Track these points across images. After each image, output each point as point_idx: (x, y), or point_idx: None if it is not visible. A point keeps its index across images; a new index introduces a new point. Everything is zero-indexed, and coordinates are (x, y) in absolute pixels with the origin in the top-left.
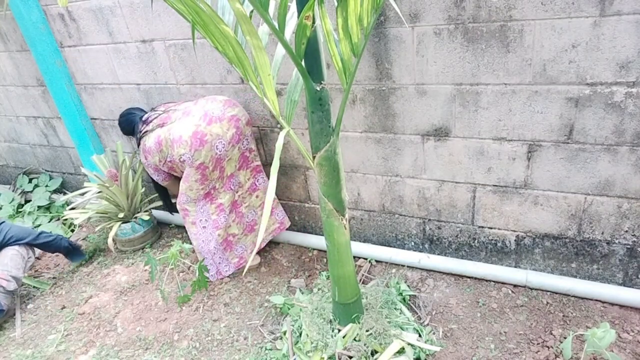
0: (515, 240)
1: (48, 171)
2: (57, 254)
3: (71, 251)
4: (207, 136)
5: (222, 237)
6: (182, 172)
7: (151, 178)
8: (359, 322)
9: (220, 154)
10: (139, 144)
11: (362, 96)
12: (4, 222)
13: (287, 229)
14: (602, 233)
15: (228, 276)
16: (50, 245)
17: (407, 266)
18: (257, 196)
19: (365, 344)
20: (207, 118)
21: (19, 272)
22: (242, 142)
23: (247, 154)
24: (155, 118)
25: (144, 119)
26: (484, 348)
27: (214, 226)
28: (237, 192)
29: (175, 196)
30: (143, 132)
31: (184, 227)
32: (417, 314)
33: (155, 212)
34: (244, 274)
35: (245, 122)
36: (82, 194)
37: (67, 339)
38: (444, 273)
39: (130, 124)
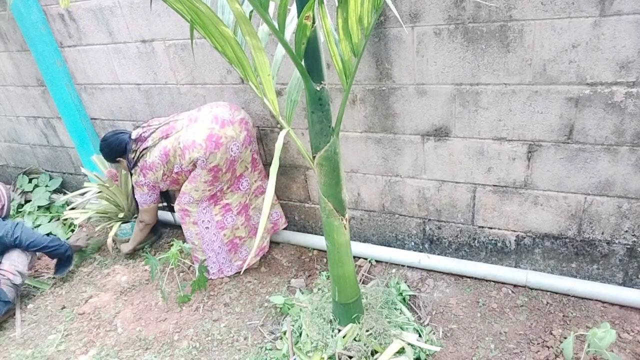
0: (515, 240)
1: (48, 171)
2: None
3: (64, 262)
4: (222, 139)
5: (228, 237)
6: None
7: (135, 200)
8: (359, 322)
9: (234, 156)
10: (135, 164)
11: (362, 96)
12: (18, 223)
13: (287, 229)
14: (602, 233)
15: (228, 276)
16: (53, 255)
17: (407, 266)
18: (263, 199)
19: (365, 344)
20: (219, 121)
21: (25, 268)
22: (252, 144)
23: (255, 155)
24: (154, 132)
25: (135, 137)
26: (484, 348)
27: (218, 227)
28: (247, 193)
29: (141, 221)
30: (142, 149)
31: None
32: (417, 314)
33: None
34: (242, 272)
35: (252, 125)
36: (82, 194)
37: (67, 339)
38: (444, 273)
39: (121, 143)
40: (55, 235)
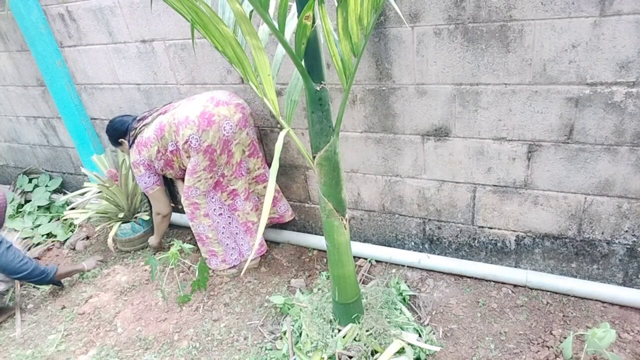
0: (515, 240)
1: (48, 171)
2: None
3: (50, 283)
4: (215, 117)
5: (242, 219)
6: (181, 169)
7: (145, 195)
8: (359, 322)
9: (227, 136)
10: (132, 142)
11: (362, 96)
12: (1, 242)
13: (287, 229)
14: (602, 233)
15: (228, 276)
16: (32, 282)
17: (407, 266)
18: (264, 187)
19: (365, 344)
20: (214, 101)
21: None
22: (249, 128)
23: (255, 142)
24: (155, 112)
25: (139, 117)
26: (484, 348)
27: (231, 209)
28: (248, 179)
29: (158, 214)
30: (141, 126)
31: (185, 228)
32: (417, 314)
33: None
34: (242, 273)
35: (249, 113)
36: (82, 194)
37: (67, 339)
38: (444, 273)
39: (124, 123)
40: (40, 265)
